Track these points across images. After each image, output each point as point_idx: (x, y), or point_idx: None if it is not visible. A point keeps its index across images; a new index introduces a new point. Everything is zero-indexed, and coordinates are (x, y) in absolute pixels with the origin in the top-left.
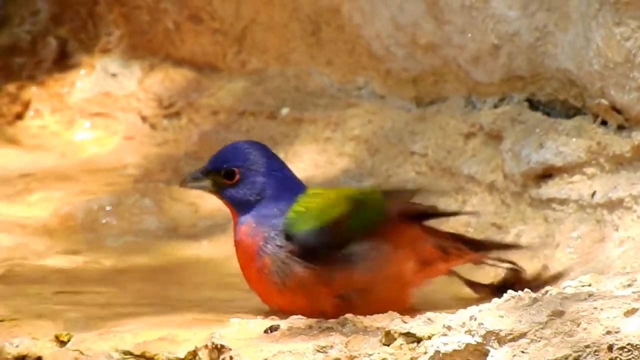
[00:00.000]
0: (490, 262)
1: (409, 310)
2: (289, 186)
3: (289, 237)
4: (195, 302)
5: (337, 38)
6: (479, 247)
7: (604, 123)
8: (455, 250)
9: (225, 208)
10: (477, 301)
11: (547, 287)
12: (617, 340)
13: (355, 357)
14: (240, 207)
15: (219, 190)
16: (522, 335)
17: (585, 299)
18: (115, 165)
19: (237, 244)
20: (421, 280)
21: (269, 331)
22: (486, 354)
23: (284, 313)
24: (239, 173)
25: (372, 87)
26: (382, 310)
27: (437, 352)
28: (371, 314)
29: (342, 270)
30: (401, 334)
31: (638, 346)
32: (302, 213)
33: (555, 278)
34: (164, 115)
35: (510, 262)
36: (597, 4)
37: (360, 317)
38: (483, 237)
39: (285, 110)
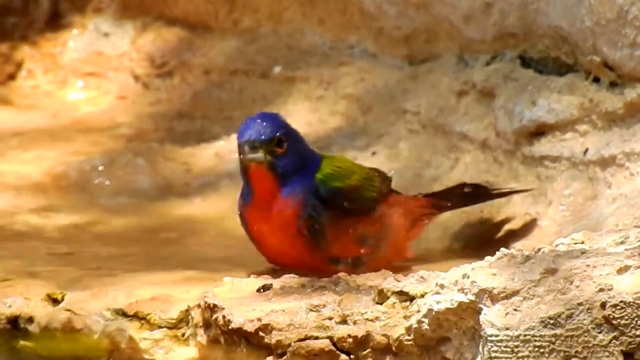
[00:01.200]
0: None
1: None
2: (313, 153)
3: (321, 196)
4: (188, 261)
5: None
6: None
7: (596, 80)
8: (431, 207)
9: (219, 166)
10: (469, 258)
11: (540, 245)
12: (610, 297)
13: (348, 315)
14: (287, 177)
15: (272, 161)
16: (515, 293)
17: (578, 257)
18: (108, 124)
19: (272, 215)
20: (414, 233)
21: (262, 290)
22: (479, 311)
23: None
24: (286, 141)
25: (365, 45)
26: (392, 259)
27: (430, 310)
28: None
29: (362, 227)
30: (394, 293)
31: (631, 303)
32: (327, 175)
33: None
34: (157, 75)
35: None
36: None
37: (353, 276)
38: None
39: (277, 69)
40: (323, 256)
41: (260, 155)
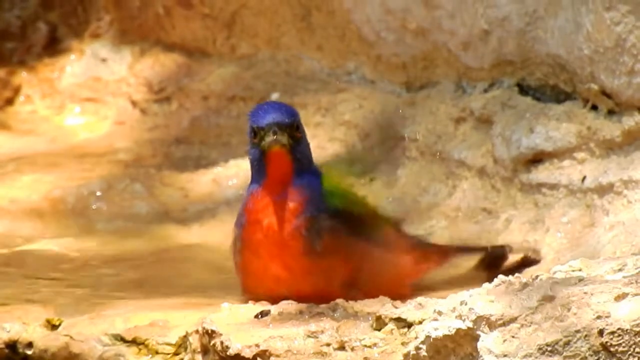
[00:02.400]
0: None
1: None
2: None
3: (327, 205)
4: (186, 286)
5: (327, 23)
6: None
7: (594, 108)
8: (437, 252)
9: (217, 192)
10: (467, 286)
11: (538, 272)
12: (607, 325)
13: (346, 342)
14: (301, 164)
15: (293, 144)
16: (513, 320)
17: (576, 284)
18: (106, 150)
19: (275, 204)
20: (414, 273)
21: (260, 316)
22: (477, 338)
23: (289, 295)
24: (300, 127)
25: (363, 72)
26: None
27: (428, 337)
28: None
29: (361, 253)
30: (392, 319)
31: (628, 330)
32: (335, 190)
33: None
34: (155, 100)
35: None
36: None
37: (351, 302)
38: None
39: (275, 95)
40: (315, 264)
41: (285, 138)
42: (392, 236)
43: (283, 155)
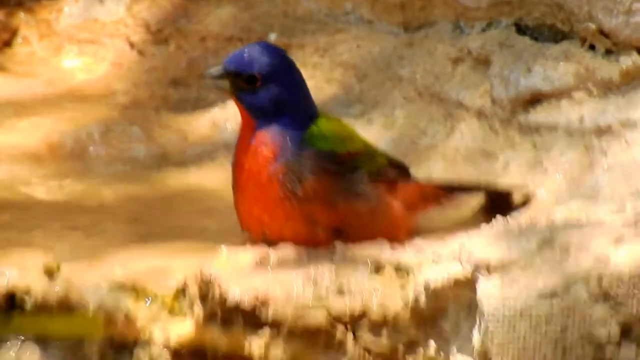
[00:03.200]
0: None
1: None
2: (308, 104)
3: (307, 149)
4: (185, 230)
5: None
6: (451, 189)
7: (591, 47)
8: (433, 193)
9: (215, 134)
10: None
11: (537, 215)
12: (606, 270)
13: (344, 286)
14: (257, 114)
15: (236, 93)
16: (512, 263)
17: (575, 227)
18: (104, 92)
19: (250, 149)
20: (406, 222)
21: (259, 261)
22: (475, 282)
23: (274, 240)
24: (260, 80)
25: (360, 12)
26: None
27: (427, 281)
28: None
29: (345, 196)
30: (391, 263)
31: (627, 275)
32: (320, 133)
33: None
34: (152, 42)
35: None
36: None
37: (350, 247)
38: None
39: (273, 36)
40: (295, 209)
41: (218, 84)
42: (386, 175)
43: (234, 101)
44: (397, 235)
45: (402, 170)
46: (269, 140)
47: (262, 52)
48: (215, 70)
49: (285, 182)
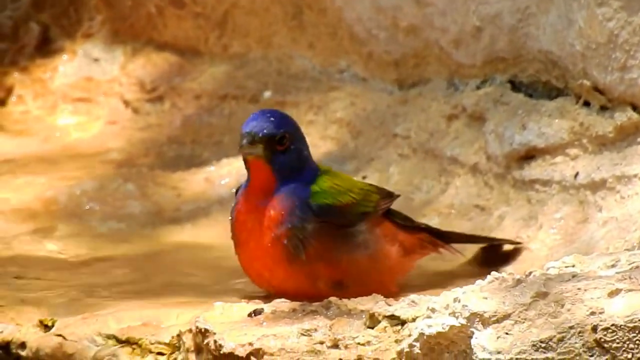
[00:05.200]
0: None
1: (395, 295)
2: (312, 161)
3: (311, 209)
4: (179, 286)
5: (319, 21)
6: (445, 238)
7: (586, 104)
8: (427, 241)
9: (209, 191)
10: (460, 282)
11: (531, 269)
12: (601, 321)
13: (339, 339)
14: (284, 174)
15: (269, 156)
16: (506, 316)
17: (569, 280)
18: (98, 150)
19: (258, 210)
20: (403, 267)
21: (253, 315)
22: (470, 335)
23: (275, 291)
24: (288, 139)
25: (354, 70)
26: (377, 290)
27: (422, 334)
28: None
29: (347, 250)
30: (385, 317)
31: (622, 326)
32: (322, 190)
33: None
34: (147, 100)
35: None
36: None
37: (345, 300)
38: (447, 229)
39: (267, 94)
40: (297, 270)
41: (256, 150)
42: (384, 225)
43: (259, 165)
44: (393, 279)
45: (390, 197)
46: (282, 202)
47: (280, 115)
48: (247, 139)
49: (289, 247)
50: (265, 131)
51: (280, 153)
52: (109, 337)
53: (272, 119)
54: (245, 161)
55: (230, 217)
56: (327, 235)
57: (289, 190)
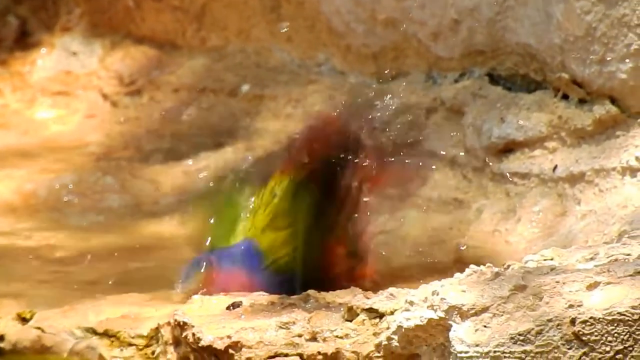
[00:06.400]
0: None
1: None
2: None
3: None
4: (158, 279)
5: (297, 14)
6: None
7: (565, 97)
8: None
9: (188, 184)
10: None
11: (510, 262)
12: (579, 314)
13: (317, 332)
14: None
15: None
16: (485, 309)
17: (548, 273)
18: (77, 143)
19: None
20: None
21: (232, 308)
22: (449, 328)
23: None
24: None
25: (333, 63)
26: None
27: (400, 327)
28: None
29: None
30: (363, 310)
31: (600, 319)
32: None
33: None
34: (126, 93)
35: None
36: None
37: (323, 293)
38: None
39: (245, 87)
40: None
41: None
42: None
43: None
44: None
45: None
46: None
47: None
48: None
49: None
50: None
51: None
52: (87, 329)
53: None
54: None
55: None
56: None
57: None
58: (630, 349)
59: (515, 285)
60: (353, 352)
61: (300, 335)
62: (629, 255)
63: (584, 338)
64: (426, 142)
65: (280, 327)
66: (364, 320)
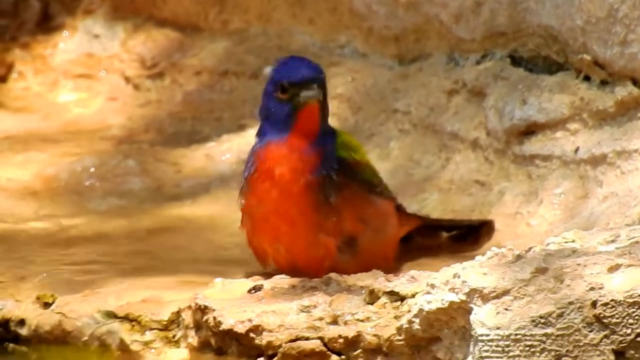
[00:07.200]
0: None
1: (394, 268)
2: None
3: (338, 161)
4: (179, 262)
5: None
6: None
7: (586, 78)
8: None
9: (210, 167)
10: (460, 258)
11: (531, 244)
12: (600, 296)
13: (339, 316)
14: (324, 121)
15: (322, 101)
16: (506, 292)
17: (569, 256)
18: (99, 126)
19: (289, 159)
20: (397, 247)
21: (253, 291)
22: (470, 311)
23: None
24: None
25: (355, 45)
26: (375, 260)
27: (421, 310)
28: (364, 266)
29: (369, 204)
30: (385, 293)
31: (621, 302)
32: (344, 143)
33: None
34: (147, 76)
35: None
36: None
37: (344, 277)
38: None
39: (267, 70)
40: (322, 219)
41: (320, 93)
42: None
43: (316, 110)
44: (393, 254)
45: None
46: (318, 150)
47: (306, 60)
48: (304, 86)
49: (321, 192)
50: (321, 75)
51: (325, 96)
52: (108, 314)
53: (311, 64)
54: (297, 110)
55: (245, 175)
56: (352, 182)
57: (323, 140)
58: None
59: (537, 267)
60: (374, 335)
61: (321, 319)
62: None
63: (604, 320)
64: (448, 124)
65: (302, 311)
66: (385, 303)
